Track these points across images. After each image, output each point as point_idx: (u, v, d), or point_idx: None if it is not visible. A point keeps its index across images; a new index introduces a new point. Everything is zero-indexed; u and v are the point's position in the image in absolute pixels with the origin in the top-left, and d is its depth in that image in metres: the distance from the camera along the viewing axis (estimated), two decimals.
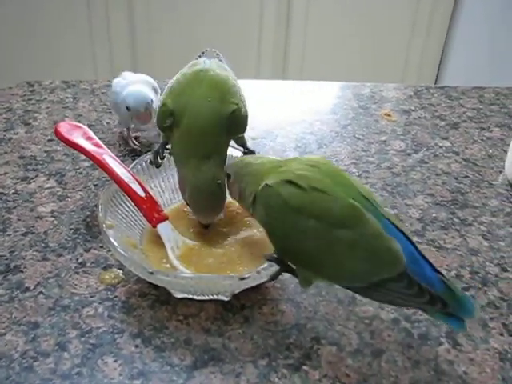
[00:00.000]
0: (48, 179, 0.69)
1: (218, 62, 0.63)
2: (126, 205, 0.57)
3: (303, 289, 0.52)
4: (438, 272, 0.46)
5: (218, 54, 0.66)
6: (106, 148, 0.61)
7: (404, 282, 0.44)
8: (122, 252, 0.48)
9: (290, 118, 0.83)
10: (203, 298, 0.51)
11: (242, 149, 0.62)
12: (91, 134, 0.63)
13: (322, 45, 1.98)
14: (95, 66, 1.93)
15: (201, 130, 0.55)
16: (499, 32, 1.86)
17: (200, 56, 0.66)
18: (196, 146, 0.55)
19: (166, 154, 0.61)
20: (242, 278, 0.47)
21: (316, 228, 0.44)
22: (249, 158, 0.55)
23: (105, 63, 1.92)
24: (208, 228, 0.58)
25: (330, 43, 1.97)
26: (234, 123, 0.57)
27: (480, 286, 0.57)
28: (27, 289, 0.53)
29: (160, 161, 0.61)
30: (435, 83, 2.10)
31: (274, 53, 1.98)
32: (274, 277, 0.50)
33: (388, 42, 1.98)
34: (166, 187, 0.62)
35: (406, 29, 1.99)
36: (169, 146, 0.60)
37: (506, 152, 0.78)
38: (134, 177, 0.58)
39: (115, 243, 0.48)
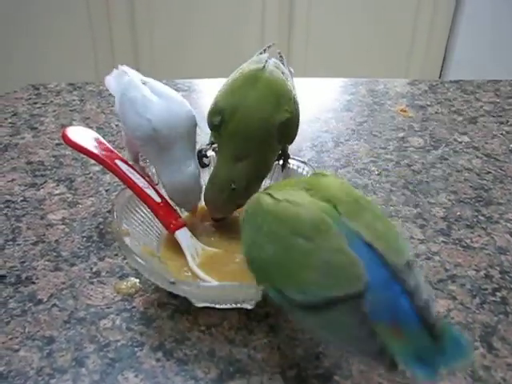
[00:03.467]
0: (57, 185, 0.66)
1: (277, 63, 0.59)
2: (142, 211, 0.54)
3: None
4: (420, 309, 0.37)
5: (280, 55, 0.63)
6: (117, 152, 0.59)
7: (348, 308, 0.37)
8: (141, 261, 0.45)
9: (304, 116, 0.80)
10: (226, 306, 0.49)
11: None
12: (100, 138, 0.60)
13: (325, 41, 1.95)
14: (96, 68, 1.91)
15: (248, 134, 0.53)
16: (503, 25, 1.84)
17: (263, 52, 0.63)
18: (239, 149, 0.53)
19: (212, 154, 0.59)
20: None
21: (277, 231, 0.42)
22: None
23: (107, 65, 1.90)
24: (219, 222, 0.57)
25: (332, 39, 1.95)
26: (284, 132, 0.55)
27: (511, 286, 0.55)
28: (40, 301, 0.51)
29: (205, 161, 0.59)
30: (439, 78, 2.08)
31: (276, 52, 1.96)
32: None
33: (391, 36, 1.96)
34: None
35: (409, 23, 1.96)
36: (215, 146, 0.58)
37: None
38: (148, 182, 0.55)
39: (135, 252, 0.46)
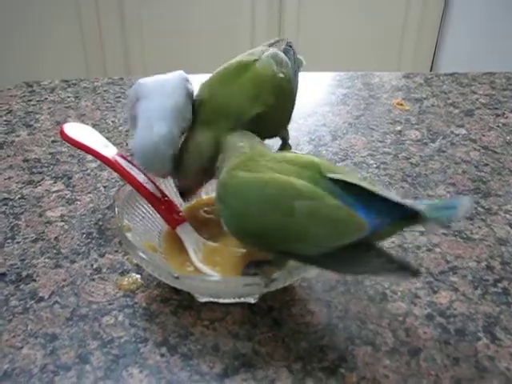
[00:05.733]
0: (55, 182, 0.66)
1: (279, 56, 0.57)
2: (143, 206, 0.54)
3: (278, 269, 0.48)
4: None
5: (290, 45, 0.61)
6: (115, 148, 0.58)
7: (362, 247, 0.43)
8: (145, 256, 0.45)
9: (301, 110, 0.81)
10: (229, 301, 0.49)
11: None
12: (97, 134, 0.60)
13: (316, 34, 1.95)
14: (87, 66, 1.90)
15: (219, 115, 0.53)
16: (494, 18, 1.85)
17: (272, 44, 0.61)
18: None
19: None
20: (273, 279, 0.44)
21: (278, 198, 0.43)
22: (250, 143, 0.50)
23: (97, 63, 1.89)
24: (186, 197, 0.56)
25: (323, 32, 1.95)
26: (257, 126, 0.52)
27: None
28: (42, 298, 0.51)
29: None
30: (431, 70, 2.09)
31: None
32: (266, 279, 0.46)
33: (382, 29, 1.96)
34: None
35: (400, 16, 1.97)
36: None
37: None
38: (148, 177, 0.55)
39: (138, 247, 0.45)
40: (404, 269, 0.42)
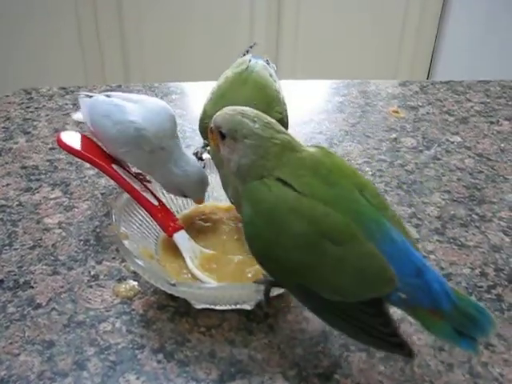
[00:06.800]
0: (52, 189, 0.66)
1: (263, 64, 0.59)
2: (140, 214, 0.54)
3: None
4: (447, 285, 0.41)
5: (267, 60, 0.63)
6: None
7: (375, 308, 0.41)
8: (142, 264, 0.45)
9: (298, 117, 0.81)
10: (225, 307, 0.49)
11: None
12: (95, 141, 0.60)
13: (314, 41, 1.96)
14: (86, 72, 1.90)
15: None
16: (491, 26, 1.86)
17: (246, 53, 0.62)
18: None
19: (207, 156, 0.59)
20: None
21: (306, 233, 0.40)
22: (263, 119, 0.45)
23: (96, 70, 1.90)
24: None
25: (321, 40, 1.96)
26: None
27: (506, 283, 0.55)
28: (39, 305, 0.51)
29: (201, 163, 0.58)
30: (427, 78, 2.10)
31: (265, 52, 1.96)
32: (266, 296, 0.46)
33: (380, 37, 1.97)
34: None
35: (398, 24, 1.98)
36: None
37: None
38: (144, 185, 0.56)
39: (135, 254, 0.46)
40: (400, 346, 0.41)
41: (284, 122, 0.55)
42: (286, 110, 0.57)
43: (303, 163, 0.44)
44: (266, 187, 0.43)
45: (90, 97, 0.60)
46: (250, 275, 0.50)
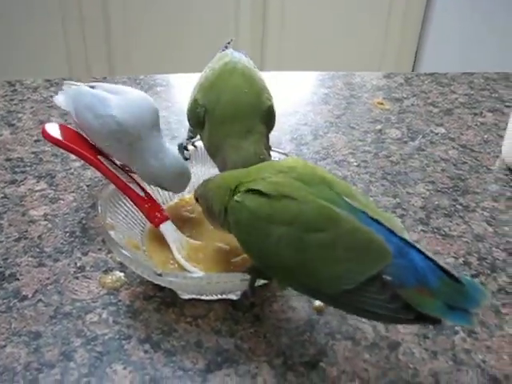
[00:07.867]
0: (38, 181, 0.66)
1: (244, 56, 0.60)
2: (126, 204, 0.54)
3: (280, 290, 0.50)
4: (433, 260, 0.41)
5: (245, 54, 0.63)
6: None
7: (376, 285, 0.40)
8: (128, 254, 0.45)
9: (283, 109, 0.81)
10: (212, 298, 0.49)
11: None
12: (80, 133, 0.60)
13: (299, 33, 1.96)
14: (70, 64, 1.89)
15: (237, 113, 0.53)
16: (476, 18, 1.87)
17: (225, 48, 0.63)
18: (233, 126, 0.52)
19: (192, 148, 0.60)
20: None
21: (288, 235, 0.41)
22: (212, 176, 0.52)
23: (80, 62, 1.88)
24: None
25: (306, 32, 1.96)
26: (268, 120, 0.55)
27: (489, 272, 0.56)
28: (25, 297, 0.51)
29: (186, 154, 0.59)
30: (412, 70, 2.11)
31: (251, 43, 1.96)
32: (252, 286, 0.47)
33: (364, 30, 1.98)
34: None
35: (383, 17, 1.98)
36: (195, 141, 0.59)
37: (500, 137, 0.78)
38: (131, 176, 0.55)
39: (121, 245, 0.46)
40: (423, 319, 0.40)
41: (273, 109, 0.56)
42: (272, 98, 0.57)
43: (264, 168, 0.47)
44: (238, 204, 0.44)
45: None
46: (236, 265, 0.50)
